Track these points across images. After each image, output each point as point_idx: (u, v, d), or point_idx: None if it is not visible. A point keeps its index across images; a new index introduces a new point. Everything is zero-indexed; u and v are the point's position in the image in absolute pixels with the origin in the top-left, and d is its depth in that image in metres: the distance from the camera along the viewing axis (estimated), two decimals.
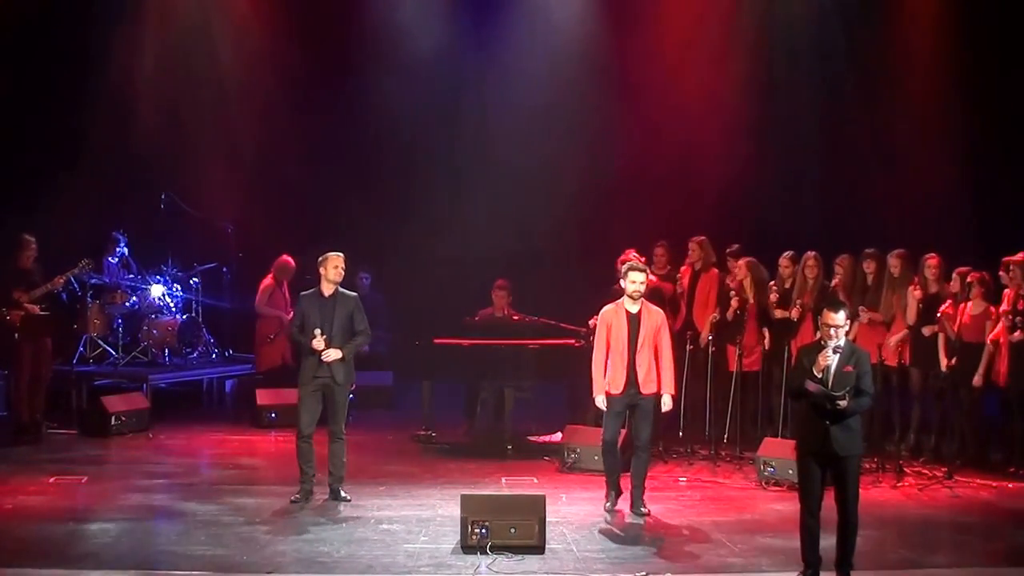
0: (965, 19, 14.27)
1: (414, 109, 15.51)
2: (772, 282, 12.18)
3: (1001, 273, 11.10)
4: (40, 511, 9.44)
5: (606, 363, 9.53)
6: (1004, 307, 10.96)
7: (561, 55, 15.53)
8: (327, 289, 9.88)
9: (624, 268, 9.59)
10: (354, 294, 10.12)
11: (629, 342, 9.46)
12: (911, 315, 11.50)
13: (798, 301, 11.84)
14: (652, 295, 11.32)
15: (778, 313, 12.01)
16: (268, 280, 13.73)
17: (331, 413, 9.90)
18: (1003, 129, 13.97)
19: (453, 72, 15.84)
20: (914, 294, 11.47)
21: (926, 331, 11.40)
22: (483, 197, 15.53)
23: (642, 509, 9.50)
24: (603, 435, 9.62)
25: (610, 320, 9.55)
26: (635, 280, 9.47)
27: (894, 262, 11.68)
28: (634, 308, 9.54)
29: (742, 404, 11.73)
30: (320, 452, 9.95)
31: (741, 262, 12.25)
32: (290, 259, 13.75)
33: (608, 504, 9.61)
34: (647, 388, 9.48)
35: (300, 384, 9.88)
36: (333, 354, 9.75)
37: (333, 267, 9.84)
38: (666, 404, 9.57)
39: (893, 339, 11.56)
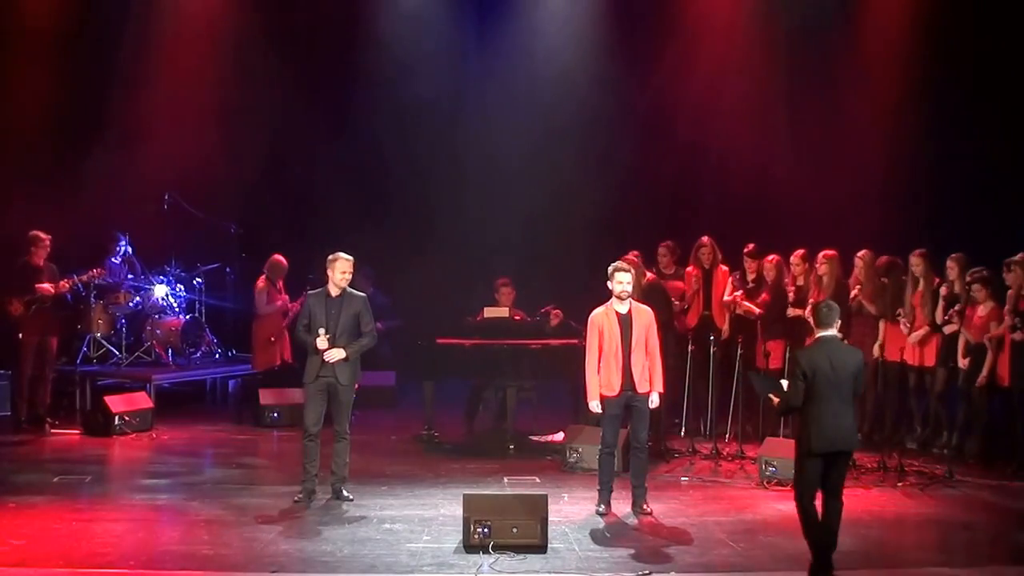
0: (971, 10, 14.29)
1: (418, 108, 15.51)
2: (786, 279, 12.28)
3: (1005, 274, 11.15)
4: (44, 510, 9.46)
5: (599, 367, 9.53)
6: (1006, 307, 11.02)
7: (565, 56, 15.56)
8: (334, 289, 9.89)
9: (610, 269, 9.56)
10: (362, 295, 10.11)
11: (623, 343, 9.46)
12: (938, 314, 11.57)
13: (811, 301, 11.87)
14: (651, 293, 11.38)
15: (792, 312, 12.06)
16: (262, 282, 13.73)
17: (335, 413, 9.91)
18: (1009, 129, 14.00)
19: (457, 72, 15.88)
20: (941, 292, 11.55)
21: (947, 329, 11.47)
22: (486, 196, 15.56)
23: (644, 508, 9.52)
24: (603, 440, 9.61)
25: (601, 323, 9.53)
26: (621, 281, 9.47)
27: (915, 260, 11.75)
28: (623, 308, 9.54)
29: (765, 402, 11.78)
30: (323, 452, 9.97)
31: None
32: (282, 258, 13.76)
33: (601, 508, 9.59)
34: (642, 387, 9.48)
35: (305, 383, 9.90)
36: (336, 354, 9.76)
37: (340, 272, 9.82)
38: (653, 402, 9.58)
39: (914, 336, 11.67)
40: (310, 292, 10.09)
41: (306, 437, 9.85)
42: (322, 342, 9.73)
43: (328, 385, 9.83)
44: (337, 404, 9.88)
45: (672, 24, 15.43)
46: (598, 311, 9.62)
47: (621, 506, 9.65)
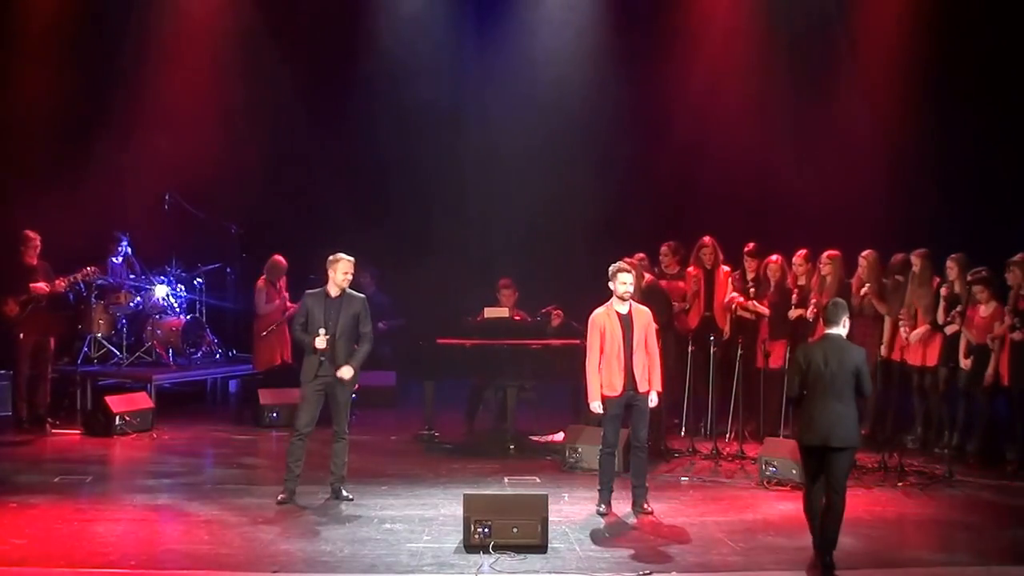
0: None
1: (418, 108, 15.52)
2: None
3: (1005, 274, 11.16)
4: (45, 510, 9.46)
5: (600, 367, 9.53)
6: (1007, 306, 11.04)
7: (565, 57, 15.57)
8: (334, 290, 9.88)
9: (612, 270, 9.60)
10: (362, 296, 10.09)
11: (625, 343, 9.48)
12: (939, 314, 11.59)
13: (813, 301, 11.89)
14: (651, 294, 11.38)
15: (794, 313, 12.07)
16: (261, 282, 13.75)
17: (334, 413, 9.91)
18: (1009, 129, 14.01)
19: (458, 73, 15.88)
20: (941, 292, 11.57)
21: (948, 330, 11.48)
22: (487, 196, 15.57)
23: (644, 508, 9.53)
24: (603, 440, 9.61)
25: (603, 323, 9.55)
26: (624, 281, 9.50)
27: (916, 260, 11.75)
28: (623, 309, 9.57)
29: (765, 402, 11.81)
30: (322, 451, 9.97)
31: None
32: (281, 258, 13.79)
33: (601, 508, 9.60)
34: (643, 387, 9.51)
35: (302, 382, 9.89)
36: (345, 372, 9.75)
37: (343, 272, 9.82)
38: (652, 401, 9.60)
39: (914, 334, 11.66)
40: (309, 291, 10.07)
41: (296, 436, 9.82)
42: (320, 341, 9.72)
43: (327, 385, 9.82)
44: (336, 404, 9.87)
45: (673, 25, 15.42)
46: (599, 311, 9.63)
47: (621, 506, 9.65)
